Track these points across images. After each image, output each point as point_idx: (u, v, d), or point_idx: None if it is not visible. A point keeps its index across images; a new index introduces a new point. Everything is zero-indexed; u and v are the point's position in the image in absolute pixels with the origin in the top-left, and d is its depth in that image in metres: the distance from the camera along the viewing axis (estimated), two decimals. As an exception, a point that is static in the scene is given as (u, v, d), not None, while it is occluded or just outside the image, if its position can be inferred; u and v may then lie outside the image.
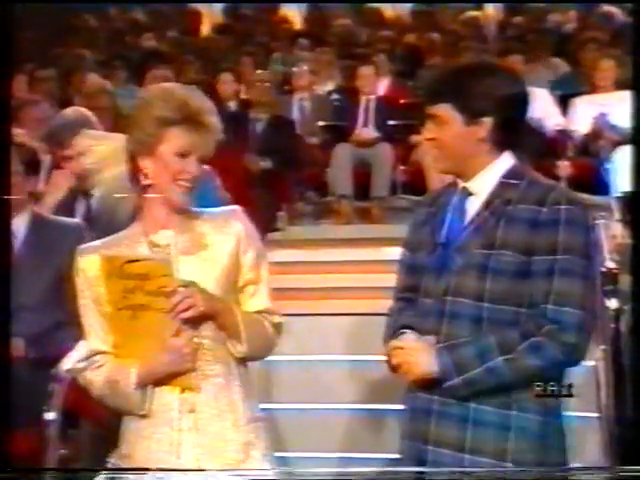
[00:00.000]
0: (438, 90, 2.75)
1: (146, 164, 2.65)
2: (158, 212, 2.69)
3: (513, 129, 2.73)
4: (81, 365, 2.73)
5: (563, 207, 2.60)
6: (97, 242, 2.74)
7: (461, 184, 2.74)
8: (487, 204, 2.68)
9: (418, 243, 2.78)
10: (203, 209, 2.75)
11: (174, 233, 2.68)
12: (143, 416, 2.65)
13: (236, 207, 2.78)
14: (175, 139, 2.62)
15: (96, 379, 2.68)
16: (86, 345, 2.73)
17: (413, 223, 2.86)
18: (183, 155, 2.62)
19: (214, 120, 2.65)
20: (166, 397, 2.64)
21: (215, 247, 2.69)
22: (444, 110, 2.70)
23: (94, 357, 2.70)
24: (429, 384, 2.62)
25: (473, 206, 2.71)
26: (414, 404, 2.71)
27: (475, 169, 2.72)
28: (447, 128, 2.70)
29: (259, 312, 2.75)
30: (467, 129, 2.70)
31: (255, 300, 2.75)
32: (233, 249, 2.70)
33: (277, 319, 2.79)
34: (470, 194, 2.72)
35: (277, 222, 7.64)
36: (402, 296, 2.81)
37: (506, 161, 2.73)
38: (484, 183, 2.71)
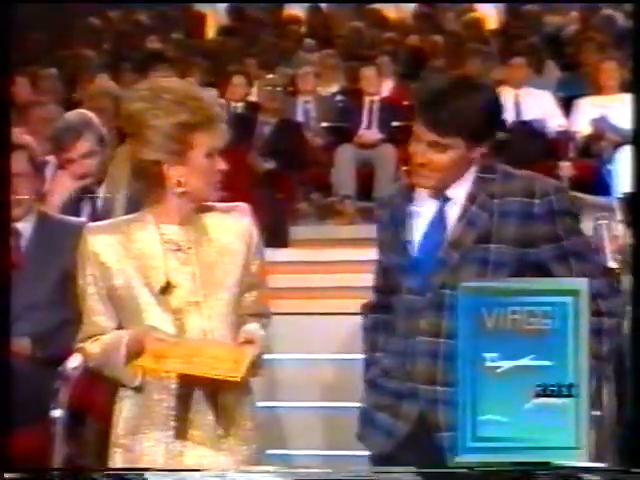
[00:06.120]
0: (453, 126, 2.67)
1: (179, 171, 2.60)
2: (172, 206, 2.64)
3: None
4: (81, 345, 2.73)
5: (553, 197, 2.69)
6: (105, 222, 2.72)
7: (436, 193, 2.76)
8: (471, 198, 2.73)
9: (387, 245, 2.84)
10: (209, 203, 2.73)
11: (183, 229, 2.66)
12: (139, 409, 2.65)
13: (242, 204, 2.75)
14: (203, 142, 2.59)
15: (93, 350, 2.67)
16: (86, 327, 2.71)
17: (379, 225, 2.90)
18: (211, 155, 2.61)
19: (220, 110, 2.66)
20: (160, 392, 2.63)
21: (229, 246, 2.68)
22: (452, 141, 2.69)
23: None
24: None
25: (456, 202, 2.76)
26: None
27: (455, 180, 2.76)
28: (447, 155, 2.70)
29: (256, 315, 2.75)
30: (467, 154, 2.73)
31: (255, 303, 2.76)
32: (244, 247, 2.69)
33: (267, 322, 2.78)
34: (448, 199, 2.76)
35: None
36: (375, 303, 2.93)
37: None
38: (461, 187, 2.76)
